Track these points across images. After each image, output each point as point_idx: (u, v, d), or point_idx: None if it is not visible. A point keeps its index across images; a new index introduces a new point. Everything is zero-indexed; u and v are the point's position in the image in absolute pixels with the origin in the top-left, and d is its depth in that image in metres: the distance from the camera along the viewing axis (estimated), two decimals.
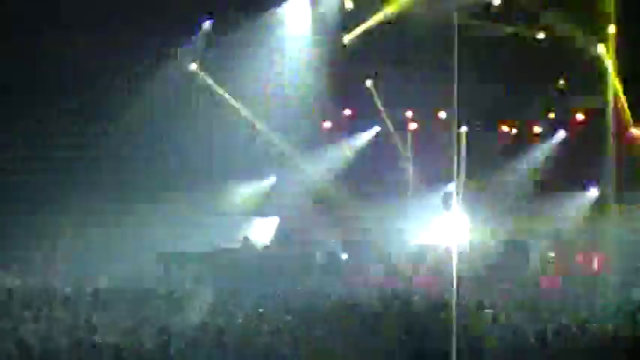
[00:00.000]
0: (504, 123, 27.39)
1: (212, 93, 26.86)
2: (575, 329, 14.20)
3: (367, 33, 26.04)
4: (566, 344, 13.38)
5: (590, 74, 25.11)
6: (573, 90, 26.55)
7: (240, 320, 14.59)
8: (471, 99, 26.74)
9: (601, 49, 24.49)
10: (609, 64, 23.96)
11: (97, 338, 12.61)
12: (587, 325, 14.73)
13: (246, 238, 24.76)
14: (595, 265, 23.87)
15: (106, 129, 25.58)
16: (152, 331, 12.74)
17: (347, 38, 26.36)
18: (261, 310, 15.52)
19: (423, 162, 27.86)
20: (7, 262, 22.68)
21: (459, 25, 23.89)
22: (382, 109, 27.92)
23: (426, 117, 27.49)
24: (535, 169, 27.81)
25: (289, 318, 14.55)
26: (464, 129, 27.49)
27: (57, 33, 23.54)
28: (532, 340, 13.26)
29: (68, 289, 17.98)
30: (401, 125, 28.24)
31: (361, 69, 27.09)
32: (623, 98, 24.55)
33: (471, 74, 25.61)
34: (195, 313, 15.01)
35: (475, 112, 27.24)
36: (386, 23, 25.58)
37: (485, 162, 27.69)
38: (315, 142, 28.01)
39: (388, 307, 17.07)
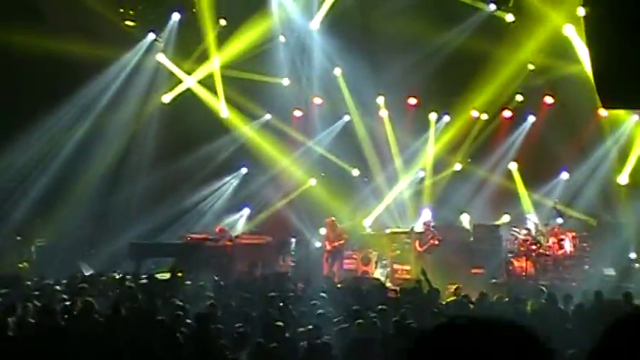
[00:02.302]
0: (474, 108, 27.20)
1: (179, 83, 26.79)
2: None
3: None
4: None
5: (560, 56, 25.19)
6: (543, 72, 26.50)
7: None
8: (443, 84, 27.00)
9: (570, 30, 24.51)
10: (579, 45, 23.96)
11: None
12: None
13: (222, 230, 24.77)
14: (567, 246, 23.97)
15: (75, 120, 25.44)
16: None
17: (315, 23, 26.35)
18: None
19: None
20: None
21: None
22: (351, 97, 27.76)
23: (396, 104, 27.41)
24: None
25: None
26: (433, 116, 27.85)
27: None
28: None
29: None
30: (371, 112, 28.02)
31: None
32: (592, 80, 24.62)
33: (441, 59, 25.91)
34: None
35: (445, 97, 27.42)
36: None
37: (457, 148, 27.85)
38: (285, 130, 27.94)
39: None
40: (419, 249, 24.35)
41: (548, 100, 26.83)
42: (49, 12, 24.24)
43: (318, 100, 27.83)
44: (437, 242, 24.18)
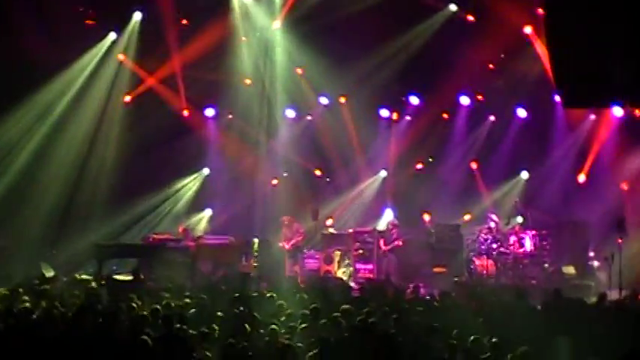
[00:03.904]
0: (436, 107, 27.36)
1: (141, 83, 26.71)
2: None
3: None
4: None
5: (521, 56, 25.42)
6: (503, 72, 26.70)
7: None
8: (405, 84, 27.12)
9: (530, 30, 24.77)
10: (538, 46, 24.21)
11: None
12: None
13: (185, 231, 24.72)
14: (528, 244, 24.15)
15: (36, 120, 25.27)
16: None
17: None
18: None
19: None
20: None
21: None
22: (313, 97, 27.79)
23: (359, 103, 27.45)
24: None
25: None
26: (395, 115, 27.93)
27: None
28: None
29: None
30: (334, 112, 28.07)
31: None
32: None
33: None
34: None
35: (407, 96, 27.54)
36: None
37: (414, 149, 27.94)
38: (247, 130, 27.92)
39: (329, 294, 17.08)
40: (383, 248, 24.47)
41: (510, 100, 26.99)
42: (8, 11, 24.02)
43: (280, 100, 27.80)
44: (401, 243, 24.31)
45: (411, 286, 19.10)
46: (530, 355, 11.36)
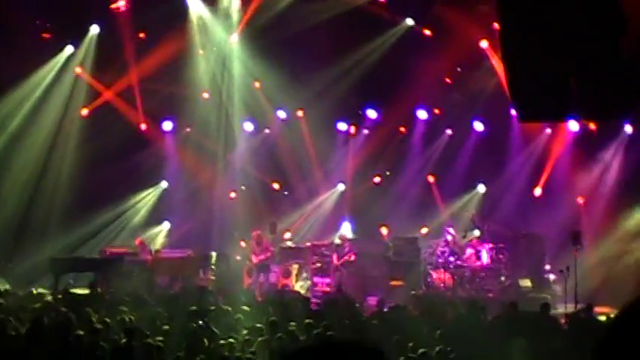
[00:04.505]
0: (393, 120, 27.49)
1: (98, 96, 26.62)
2: None
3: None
4: None
5: (477, 69, 25.67)
6: (459, 86, 26.91)
7: None
8: (363, 97, 27.25)
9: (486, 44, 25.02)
10: (494, 60, 24.44)
11: None
12: None
13: (142, 243, 24.60)
14: (484, 257, 24.28)
15: None
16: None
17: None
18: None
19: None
20: None
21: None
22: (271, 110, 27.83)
23: (316, 117, 27.52)
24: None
25: None
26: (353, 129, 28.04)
27: None
28: None
29: None
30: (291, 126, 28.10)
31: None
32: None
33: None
34: None
35: (365, 110, 27.66)
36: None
37: (372, 162, 28.05)
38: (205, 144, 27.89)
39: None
40: (335, 262, 24.56)
41: (465, 113, 27.19)
42: None
43: (238, 114, 27.80)
44: (352, 258, 24.39)
45: (368, 299, 19.16)
46: None
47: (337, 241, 25.58)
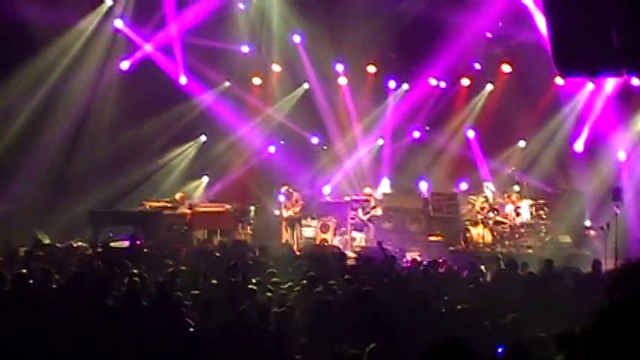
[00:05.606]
0: (433, 76, 27.23)
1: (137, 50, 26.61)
2: None
3: None
4: None
5: (518, 24, 25.33)
6: (500, 41, 26.60)
7: None
8: (402, 52, 27.02)
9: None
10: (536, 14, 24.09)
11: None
12: None
13: (182, 198, 24.67)
14: (524, 213, 24.14)
15: (32, 86, 25.09)
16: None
17: None
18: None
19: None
20: None
21: None
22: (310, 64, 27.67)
23: (356, 71, 27.37)
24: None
25: None
26: (392, 83, 27.87)
27: None
28: None
29: None
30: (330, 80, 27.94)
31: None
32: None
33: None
34: None
35: (404, 65, 27.42)
36: None
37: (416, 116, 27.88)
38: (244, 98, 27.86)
39: None
40: (362, 218, 24.63)
41: (506, 68, 26.88)
42: None
43: (277, 68, 27.72)
44: (379, 212, 24.45)
45: (407, 254, 19.15)
46: (520, 322, 11.43)
47: (378, 195, 25.62)
